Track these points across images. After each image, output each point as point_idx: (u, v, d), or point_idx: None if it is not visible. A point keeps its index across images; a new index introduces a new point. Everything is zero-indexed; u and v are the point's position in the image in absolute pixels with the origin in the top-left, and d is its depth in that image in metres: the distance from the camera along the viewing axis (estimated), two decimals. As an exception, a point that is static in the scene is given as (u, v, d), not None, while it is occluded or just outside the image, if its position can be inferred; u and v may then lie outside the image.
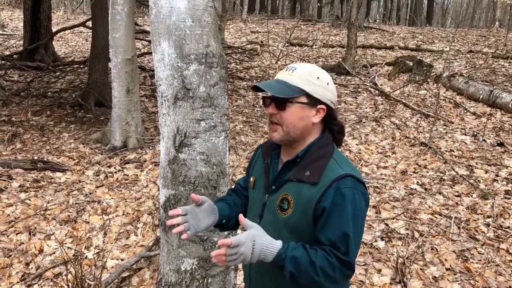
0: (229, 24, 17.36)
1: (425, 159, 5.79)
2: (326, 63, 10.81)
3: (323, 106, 1.56)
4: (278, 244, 1.44)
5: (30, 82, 8.51)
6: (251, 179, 1.75)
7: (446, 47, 11.98)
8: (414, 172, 5.42)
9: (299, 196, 1.51)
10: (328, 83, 1.57)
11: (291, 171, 1.58)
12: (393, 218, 4.28)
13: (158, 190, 4.29)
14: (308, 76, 1.54)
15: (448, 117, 7.31)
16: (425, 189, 4.96)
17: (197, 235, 2.28)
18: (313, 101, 1.54)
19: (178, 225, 1.61)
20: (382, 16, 32.90)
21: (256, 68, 10.53)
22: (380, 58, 11.34)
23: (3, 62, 9.86)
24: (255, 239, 1.42)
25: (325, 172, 1.50)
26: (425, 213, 4.40)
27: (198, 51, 2.21)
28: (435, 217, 4.32)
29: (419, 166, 5.61)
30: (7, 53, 11.11)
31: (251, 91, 8.99)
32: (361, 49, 12.13)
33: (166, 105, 2.26)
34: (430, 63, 9.58)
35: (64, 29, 10.69)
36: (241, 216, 1.46)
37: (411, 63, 9.34)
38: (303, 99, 1.54)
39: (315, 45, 12.38)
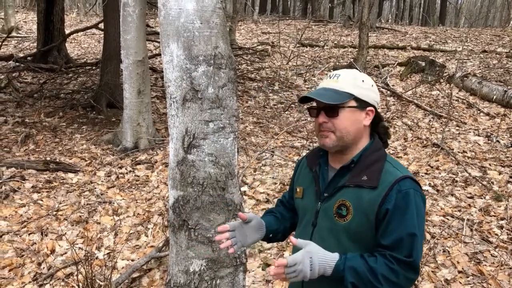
0: (240, 25, 17.39)
1: (437, 160, 5.73)
2: (337, 63, 10.76)
3: (371, 108, 1.59)
4: (335, 256, 1.46)
5: (43, 83, 8.60)
6: (298, 189, 1.76)
7: (459, 47, 11.85)
8: (426, 173, 5.36)
9: (359, 201, 1.51)
10: (372, 85, 1.61)
11: (345, 177, 1.59)
12: (404, 220, 4.24)
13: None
14: (354, 80, 1.58)
15: (461, 118, 7.23)
16: (437, 190, 4.90)
17: (206, 236, 2.28)
18: (362, 104, 1.58)
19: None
20: (394, 16, 32.68)
21: (267, 69, 10.53)
22: (392, 58, 11.26)
23: (17, 64, 10.00)
24: (312, 256, 1.44)
25: (383, 175, 1.52)
26: (437, 214, 4.35)
27: (207, 52, 2.21)
28: (447, 219, 4.27)
29: (431, 167, 5.55)
30: (21, 55, 11.25)
31: (262, 92, 8.99)
32: (372, 49, 12.06)
33: (175, 107, 2.26)
34: (443, 63, 9.49)
35: (76, 31, 10.80)
36: (292, 238, 1.49)
37: (423, 63, 9.25)
38: (353, 103, 1.57)
39: (327, 45, 12.33)
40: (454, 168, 5.42)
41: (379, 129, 1.66)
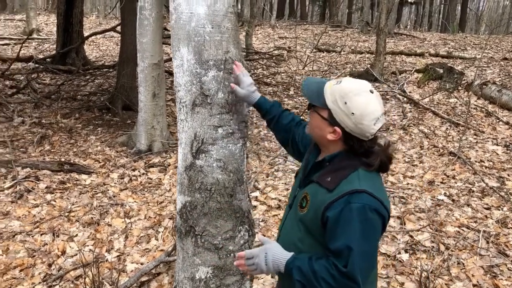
0: (257, 30, 17.40)
1: (454, 170, 5.62)
2: (354, 69, 10.68)
3: (338, 130, 1.58)
4: (288, 255, 1.60)
5: (61, 85, 8.71)
6: (298, 170, 1.89)
7: (478, 54, 11.66)
8: (441, 183, 5.26)
9: (315, 198, 1.58)
10: (353, 113, 1.54)
11: (318, 172, 1.66)
12: (418, 230, 4.16)
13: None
14: (338, 97, 1.57)
15: (479, 126, 7.09)
16: (453, 200, 4.80)
17: (212, 243, 2.25)
18: (332, 120, 1.59)
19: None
20: (413, 22, 32.38)
21: (282, 74, 10.49)
22: (409, 65, 11.13)
23: (36, 65, 10.15)
24: (267, 252, 1.62)
25: (343, 183, 1.54)
26: (452, 225, 4.25)
27: (217, 57, 2.18)
28: (463, 230, 4.17)
29: (447, 176, 5.45)
30: (40, 56, 11.42)
31: (277, 97, 8.95)
32: (390, 55, 11.93)
33: (184, 111, 2.25)
34: (461, 71, 9.33)
35: (95, 33, 10.93)
36: (258, 235, 1.74)
37: (441, 71, 9.11)
38: (324, 114, 1.61)
39: (343, 51, 12.25)
40: (470, 178, 5.30)
41: (357, 152, 1.61)
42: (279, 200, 4.78)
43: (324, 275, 1.50)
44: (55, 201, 4.92)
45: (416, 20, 32.39)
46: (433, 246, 3.92)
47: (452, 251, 3.81)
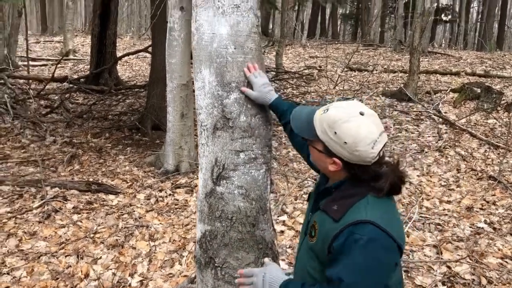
0: (287, 49, 17.39)
1: (494, 195, 5.31)
2: (387, 88, 10.44)
3: (337, 161, 1.50)
4: (283, 278, 1.62)
5: (92, 105, 8.84)
6: (312, 192, 1.81)
7: (518, 73, 11.22)
8: (481, 209, 4.97)
9: (323, 227, 1.51)
10: (345, 142, 1.44)
11: (324, 199, 1.58)
12: (456, 261, 3.88)
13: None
14: (327, 127, 1.48)
15: (520, 149, 6.73)
16: (494, 228, 4.50)
17: (233, 276, 2.11)
18: (328, 152, 1.51)
19: None
20: (448, 40, 31.78)
21: (312, 93, 10.36)
22: (444, 84, 10.80)
23: (70, 85, 10.37)
24: (266, 272, 1.66)
25: (349, 212, 1.45)
26: (494, 256, 3.96)
27: (240, 79, 2.08)
28: (506, 262, 3.88)
29: (487, 202, 5.14)
30: (75, 76, 11.69)
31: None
32: (424, 74, 11.63)
33: (205, 135, 2.14)
34: (500, 90, 8.96)
35: (127, 54, 11.13)
36: (265, 258, 1.93)
37: (478, 90, 8.78)
38: (319, 147, 1.54)
39: (376, 70, 12.02)
40: (513, 204, 4.99)
41: (369, 181, 1.50)
42: (308, 225, 4.59)
43: None
44: (81, 221, 4.89)
45: (451, 39, 31.78)
46: (473, 279, 3.65)
47: (495, 285, 3.53)
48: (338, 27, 33.88)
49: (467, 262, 3.87)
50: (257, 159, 2.13)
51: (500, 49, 23.41)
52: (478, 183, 5.71)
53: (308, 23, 29.85)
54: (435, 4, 21.88)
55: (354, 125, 1.43)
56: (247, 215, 2.11)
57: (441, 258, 3.95)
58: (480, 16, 31.29)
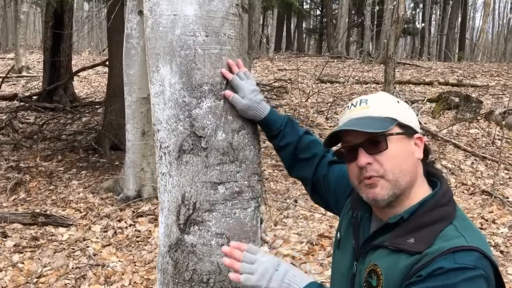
0: (255, 62, 16.91)
1: (492, 211, 4.85)
2: (360, 100, 10.02)
3: (419, 135, 1.19)
4: (309, 279, 1.15)
5: (43, 125, 7.98)
6: (338, 235, 1.34)
7: (490, 82, 11.08)
8: (481, 228, 4.47)
9: (393, 270, 1.08)
10: (408, 107, 1.22)
11: (386, 234, 1.14)
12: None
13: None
14: (390, 102, 1.19)
15: (508, 160, 6.35)
16: (501, 251, 4.00)
17: None
18: (408, 130, 1.17)
19: None
20: (411, 52, 32.27)
21: (285, 107, 9.83)
22: (419, 94, 10.50)
23: (21, 103, 9.47)
24: (281, 264, 1.16)
25: (438, 240, 1.06)
26: (508, 285, 3.43)
27: (215, 79, 1.45)
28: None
29: (486, 220, 4.67)
30: (27, 94, 10.76)
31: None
32: (397, 85, 11.34)
33: (166, 161, 1.49)
34: (479, 99, 8.66)
35: (83, 69, 10.31)
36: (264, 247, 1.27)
37: (457, 99, 8.45)
38: (398, 129, 1.15)
39: (347, 82, 11.66)
40: (516, 222, 4.52)
41: (428, 168, 1.20)
42: (293, 258, 3.96)
43: None
44: (23, 263, 4.10)
45: (413, 51, 32.29)
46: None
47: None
48: (304, 40, 33.89)
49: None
50: (243, 193, 1.49)
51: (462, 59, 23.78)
52: (471, 198, 5.25)
53: (275, 37, 29.64)
54: (408, 11, 22.06)
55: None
56: (230, 276, 1.46)
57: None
58: (440, 28, 31.91)
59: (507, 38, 36.52)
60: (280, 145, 1.54)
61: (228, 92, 1.44)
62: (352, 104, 1.23)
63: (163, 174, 1.52)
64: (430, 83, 11.46)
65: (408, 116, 1.18)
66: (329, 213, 4.75)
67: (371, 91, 11.18)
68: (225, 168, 1.46)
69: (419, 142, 1.18)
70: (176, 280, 1.47)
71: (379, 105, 1.18)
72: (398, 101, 1.20)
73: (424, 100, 9.47)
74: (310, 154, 1.52)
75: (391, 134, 1.13)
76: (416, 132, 1.18)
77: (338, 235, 1.34)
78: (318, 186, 1.52)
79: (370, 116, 1.16)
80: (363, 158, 1.12)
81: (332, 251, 1.55)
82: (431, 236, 1.07)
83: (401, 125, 1.15)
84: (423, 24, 26.86)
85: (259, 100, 1.47)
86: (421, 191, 1.15)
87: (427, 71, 13.90)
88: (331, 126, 8.40)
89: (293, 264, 3.85)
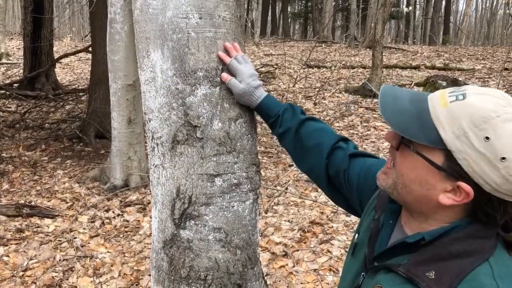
0: (241, 48, 16.73)
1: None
2: (348, 84, 9.97)
3: (468, 188, 0.83)
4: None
5: (25, 113, 7.77)
6: (355, 238, 1.12)
7: (476, 65, 11.11)
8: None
9: None
10: (503, 158, 0.79)
11: (405, 254, 0.92)
12: None
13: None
14: (467, 125, 0.81)
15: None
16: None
17: None
18: (453, 170, 0.84)
19: None
20: (395, 36, 32.29)
21: (272, 92, 9.73)
22: (406, 78, 10.50)
23: (1, 91, 9.21)
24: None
25: (463, 283, 0.82)
26: None
27: (210, 64, 1.36)
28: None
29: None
30: (7, 82, 10.47)
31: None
32: (384, 69, 11.33)
33: (159, 152, 1.41)
34: (466, 83, 8.68)
35: (66, 55, 10.03)
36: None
37: (444, 83, 8.45)
38: (437, 158, 0.85)
39: (335, 66, 11.59)
40: None
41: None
42: (285, 245, 3.91)
43: None
44: (8, 256, 3.98)
45: (397, 34, 32.31)
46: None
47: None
48: (289, 24, 33.64)
49: None
50: (241, 185, 1.41)
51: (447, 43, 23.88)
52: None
53: (260, 22, 29.35)
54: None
55: None
56: (229, 272, 1.39)
57: None
58: (425, 12, 31.95)
59: (490, 21, 36.81)
60: (280, 133, 1.43)
61: (225, 75, 1.35)
62: (455, 90, 0.90)
63: (155, 166, 1.44)
64: (417, 67, 11.47)
65: (477, 160, 0.82)
66: (320, 199, 4.71)
67: (358, 75, 11.14)
68: (222, 159, 1.38)
69: (460, 194, 0.86)
70: (172, 278, 1.40)
71: (454, 115, 0.85)
72: (488, 137, 0.80)
73: (411, 84, 9.46)
74: (315, 141, 1.35)
75: (416, 152, 0.89)
76: (469, 181, 0.84)
77: (356, 238, 1.14)
78: (338, 183, 1.31)
79: (426, 113, 0.89)
80: (389, 135, 0.96)
81: (345, 255, 1.40)
82: (456, 276, 0.85)
83: (448, 156, 0.85)
84: (410, 8, 26.80)
85: (257, 85, 1.39)
86: (449, 217, 0.91)
87: (413, 55, 13.90)
88: (318, 111, 8.34)
89: (286, 252, 3.81)
